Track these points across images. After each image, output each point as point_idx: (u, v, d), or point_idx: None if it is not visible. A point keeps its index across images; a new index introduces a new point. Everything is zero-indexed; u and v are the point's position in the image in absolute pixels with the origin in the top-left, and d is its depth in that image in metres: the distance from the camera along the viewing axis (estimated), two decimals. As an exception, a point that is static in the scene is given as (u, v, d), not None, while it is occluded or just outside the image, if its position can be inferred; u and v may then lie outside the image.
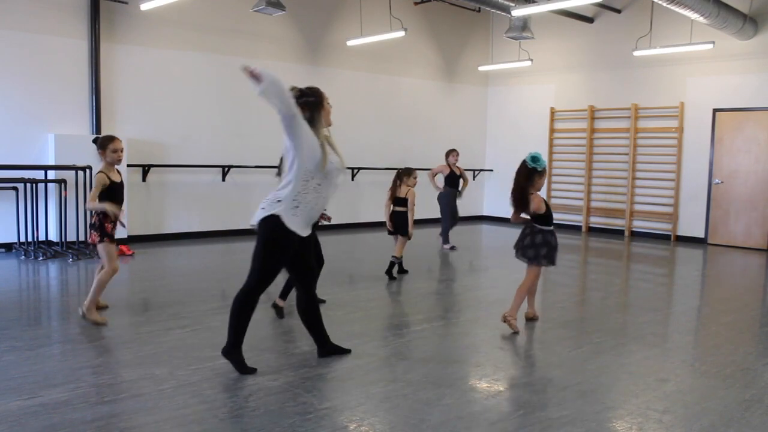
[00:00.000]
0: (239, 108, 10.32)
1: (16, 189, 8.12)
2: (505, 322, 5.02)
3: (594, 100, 12.26)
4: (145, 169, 9.33)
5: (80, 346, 4.45)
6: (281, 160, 4.38)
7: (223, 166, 10.09)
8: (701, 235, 11.00)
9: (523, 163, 5.04)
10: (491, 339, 4.85)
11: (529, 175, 5.00)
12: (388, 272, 7.07)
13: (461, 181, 9.50)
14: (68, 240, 8.29)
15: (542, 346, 4.73)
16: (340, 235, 10.87)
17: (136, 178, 9.29)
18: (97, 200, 4.95)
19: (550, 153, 12.90)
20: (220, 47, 10.01)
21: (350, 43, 10.95)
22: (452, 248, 9.30)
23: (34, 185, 8.10)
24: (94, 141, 5.26)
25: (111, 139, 5.16)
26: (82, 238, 8.38)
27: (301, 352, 4.36)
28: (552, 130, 12.89)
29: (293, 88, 3.95)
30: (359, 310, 5.70)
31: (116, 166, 5.18)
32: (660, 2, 8.32)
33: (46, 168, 8.25)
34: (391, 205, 7.15)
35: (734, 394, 3.76)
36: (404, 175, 7.13)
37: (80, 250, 8.14)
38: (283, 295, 5.46)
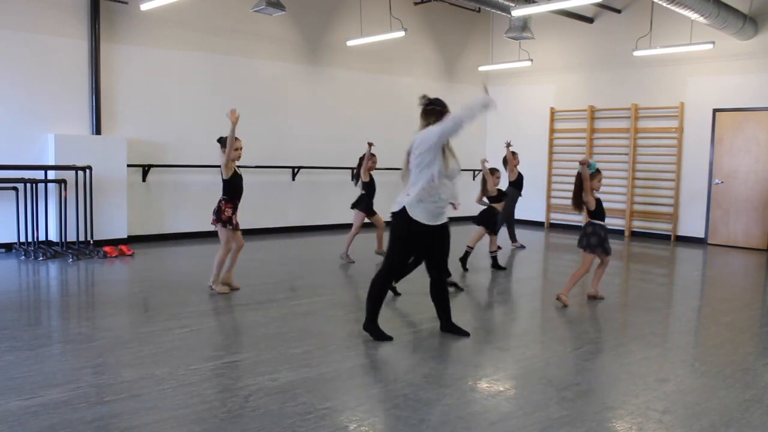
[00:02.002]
0: (239, 108, 10.27)
1: (16, 189, 8.12)
2: (557, 299, 5.95)
3: (594, 100, 12.26)
4: (145, 169, 9.33)
5: (80, 346, 4.45)
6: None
7: (223, 166, 10.08)
8: (701, 235, 11.00)
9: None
10: (491, 339, 4.85)
11: (581, 179, 5.93)
12: (462, 260, 7.65)
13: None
14: (68, 240, 8.29)
15: (542, 346, 4.73)
16: (340, 235, 10.87)
17: (136, 178, 9.29)
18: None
19: (550, 153, 12.91)
20: (220, 47, 10.01)
21: (350, 43, 10.95)
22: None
23: (34, 185, 8.10)
24: (219, 140, 6.04)
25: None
26: (82, 238, 8.39)
27: (302, 352, 4.36)
28: (552, 130, 12.89)
29: (423, 96, 4.72)
30: (359, 310, 5.70)
31: (236, 163, 6.10)
32: (660, 2, 8.32)
33: (46, 168, 8.26)
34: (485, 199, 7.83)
35: (734, 394, 3.76)
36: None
37: (80, 250, 8.14)
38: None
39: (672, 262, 9.22)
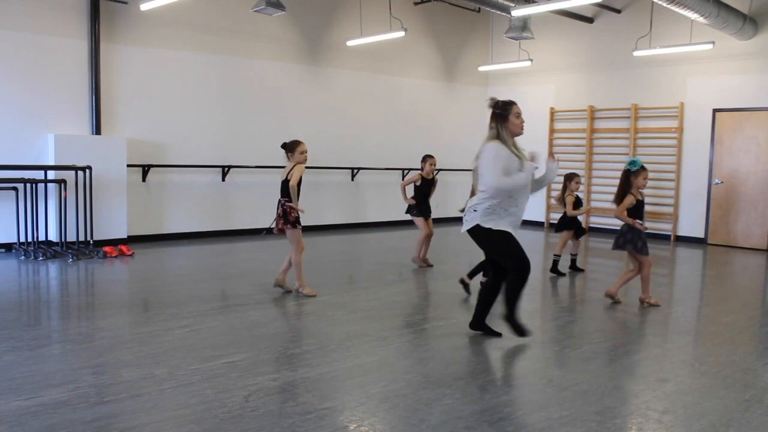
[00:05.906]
0: (239, 108, 10.33)
1: (16, 189, 8.12)
2: (643, 303, 6.02)
3: (594, 100, 12.26)
4: (145, 169, 9.33)
5: (80, 346, 4.45)
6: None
7: (223, 166, 10.09)
8: (701, 235, 11.00)
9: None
10: (491, 339, 4.85)
11: (626, 177, 5.91)
12: (553, 270, 7.62)
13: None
14: (68, 240, 8.29)
15: (542, 347, 4.73)
16: (339, 235, 10.87)
17: (136, 178, 9.29)
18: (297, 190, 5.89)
19: (550, 153, 12.90)
20: (220, 47, 10.01)
21: (350, 43, 10.95)
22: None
23: (34, 185, 8.10)
24: (283, 146, 6.02)
25: (297, 143, 5.99)
26: (81, 238, 8.39)
27: (301, 352, 4.36)
28: (552, 130, 12.89)
29: (492, 98, 4.78)
30: (359, 310, 5.70)
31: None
32: (660, 2, 8.32)
33: (46, 168, 8.26)
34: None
35: (734, 394, 3.76)
36: (566, 179, 7.90)
37: (80, 250, 8.14)
38: (472, 274, 6.41)
39: (672, 262, 9.21)
